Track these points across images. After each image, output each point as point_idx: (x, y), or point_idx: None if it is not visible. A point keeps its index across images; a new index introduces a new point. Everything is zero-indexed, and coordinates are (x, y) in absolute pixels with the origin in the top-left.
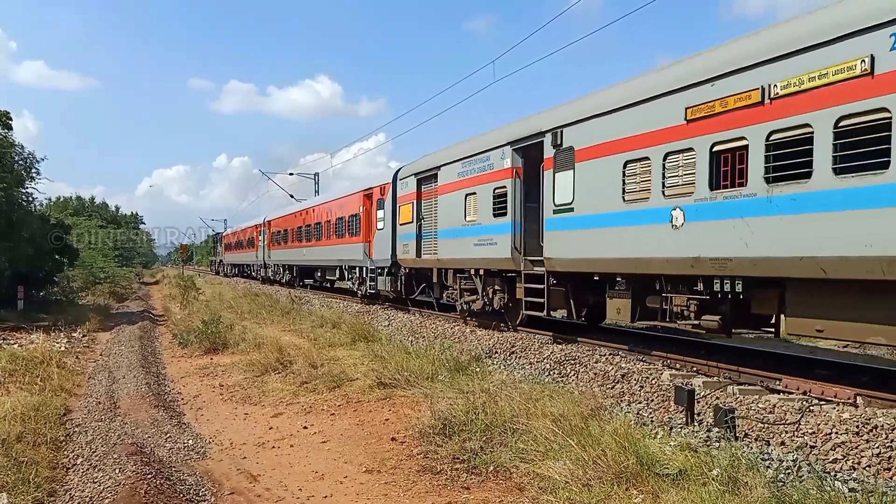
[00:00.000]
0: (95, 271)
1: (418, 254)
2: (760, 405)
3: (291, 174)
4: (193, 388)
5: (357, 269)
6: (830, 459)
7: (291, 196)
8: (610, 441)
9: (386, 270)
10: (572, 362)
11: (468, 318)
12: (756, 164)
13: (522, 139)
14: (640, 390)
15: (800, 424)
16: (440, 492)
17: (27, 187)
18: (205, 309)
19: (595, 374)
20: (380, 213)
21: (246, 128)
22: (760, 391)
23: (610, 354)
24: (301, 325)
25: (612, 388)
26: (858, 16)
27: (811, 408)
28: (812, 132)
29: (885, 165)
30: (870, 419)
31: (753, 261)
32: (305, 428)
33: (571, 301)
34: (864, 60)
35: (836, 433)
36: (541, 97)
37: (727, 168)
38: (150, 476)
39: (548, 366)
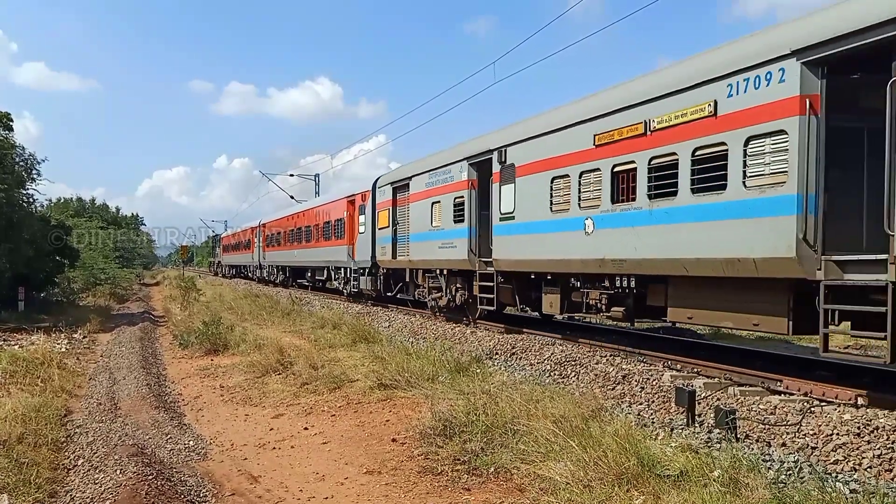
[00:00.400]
0: (96, 272)
1: (394, 255)
2: (761, 406)
3: (292, 175)
4: (194, 390)
5: (342, 269)
6: (831, 461)
7: (292, 197)
8: (611, 442)
9: (367, 271)
10: (573, 363)
11: (437, 314)
12: (642, 183)
13: (476, 155)
14: (640, 391)
15: (801, 425)
16: (441, 493)
17: (28, 188)
18: (205, 310)
19: (596, 375)
20: (361, 218)
21: (246, 129)
22: (761, 392)
23: (610, 355)
24: (302, 327)
25: (613, 389)
26: (704, 69)
27: (812, 409)
28: (678, 159)
29: (724, 188)
30: (871, 420)
31: (640, 262)
32: (306, 429)
33: (517, 296)
34: (710, 104)
35: (838, 434)
36: (541, 98)
37: (623, 185)
38: (150, 477)
39: (548, 367)
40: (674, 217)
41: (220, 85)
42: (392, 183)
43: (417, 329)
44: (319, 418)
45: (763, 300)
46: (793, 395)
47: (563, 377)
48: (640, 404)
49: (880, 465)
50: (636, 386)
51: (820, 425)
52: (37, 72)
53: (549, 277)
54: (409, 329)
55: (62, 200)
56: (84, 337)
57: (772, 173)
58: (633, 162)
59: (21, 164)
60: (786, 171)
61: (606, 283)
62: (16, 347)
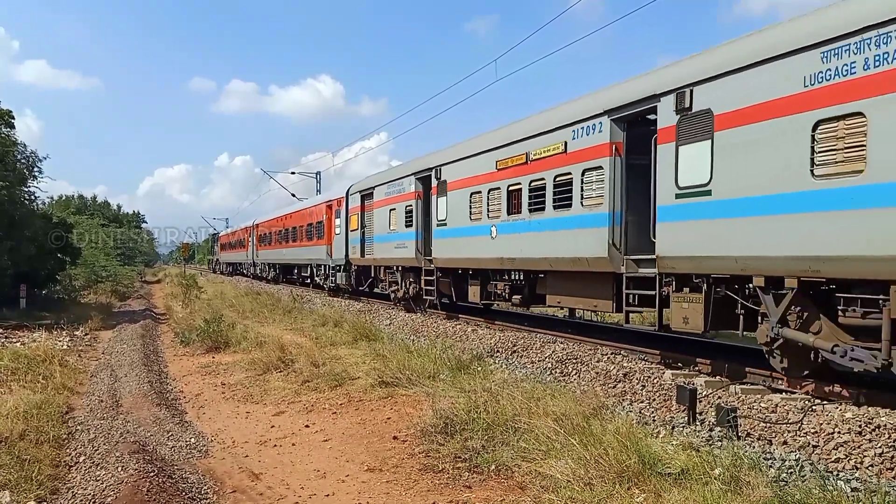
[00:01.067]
0: (97, 270)
1: (362, 254)
2: (762, 404)
3: (293, 173)
4: (195, 387)
5: (322, 266)
6: (833, 459)
7: (293, 195)
8: (612, 440)
9: (342, 268)
10: (574, 361)
11: (397, 304)
12: (525, 200)
13: (421, 171)
14: (641, 389)
15: (802, 424)
16: (442, 490)
17: (29, 186)
18: (206, 308)
19: (597, 373)
20: (337, 221)
21: (248, 127)
22: (762, 390)
23: (612, 353)
24: (303, 324)
25: (614, 387)
26: (561, 118)
27: (813, 407)
28: (545, 183)
29: (570, 205)
30: (872, 419)
31: (525, 260)
32: (307, 426)
33: (452, 288)
34: (563, 143)
35: (839, 433)
36: (542, 96)
37: (515, 201)
38: (152, 474)
39: (549, 365)
40: (543, 226)
41: (221, 83)
42: (360, 191)
43: (418, 327)
44: (321, 416)
45: (598, 288)
46: (794, 393)
47: (565, 375)
48: (642, 402)
49: (882, 463)
50: (637, 384)
51: (821, 424)
52: (38, 70)
53: (471, 272)
54: (410, 327)
55: (63, 198)
56: (85, 334)
57: (596, 195)
58: (519, 183)
59: (23, 161)
60: (602, 195)
61: (506, 277)
62: (17, 345)
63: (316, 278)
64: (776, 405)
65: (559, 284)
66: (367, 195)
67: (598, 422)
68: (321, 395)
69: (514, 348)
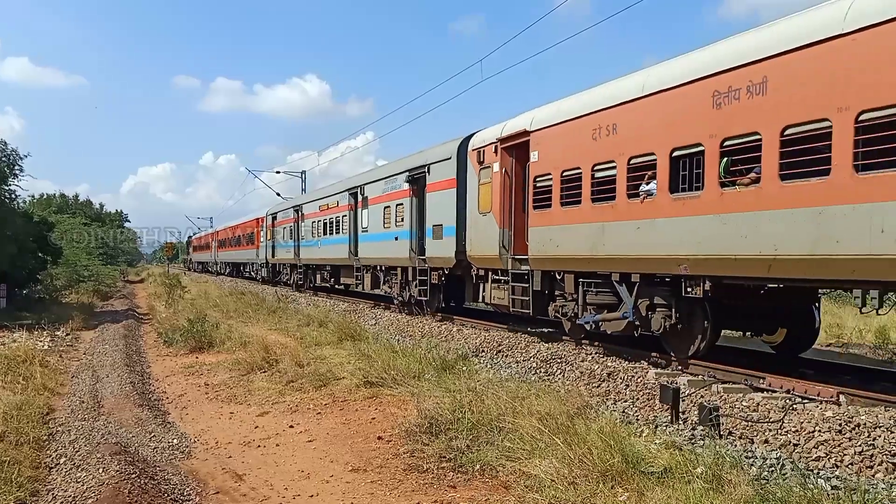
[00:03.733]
0: (79, 269)
1: (273, 256)
2: (744, 403)
3: (278, 172)
4: (178, 387)
5: (254, 264)
6: (813, 457)
7: (278, 194)
8: (596, 439)
9: (265, 265)
10: (559, 361)
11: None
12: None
13: (352, 188)
14: (625, 389)
15: (783, 422)
16: (426, 490)
17: (10, 185)
18: (190, 307)
19: (581, 372)
20: (261, 233)
21: (233, 126)
22: (745, 389)
23: (596, 353)
24: (287, 324)
25: (598, 386)
26: (390, 171)
27: (794, 406)
28: (385, 210)
29: (390, 225)
30: (852, 417)
31: (387, 259)
32: (291, 427)
33: (372, 280)
34: (392, 187)
35: (819, 431)
36: (528, 96)
37: (365, 223)
38: (133, 475)
39: (534, 364)
40: (387, 237)
41: (206, 81)
42: (271, 213)
43: (403, 327)
44: (305, 416)
45: (400, 274)
46: (776, 392)
47: (549, 375)
48: (625, 402)
49: (861, 461)
50: (621, 383)
51: (802, 422)
52: (20, 67)
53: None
54: (396, 327)
55: (45, 196)
56: (67, 334)
57: (404, 219)
58: (389, 206)
59: (3, 159)
60: (405, 219)
61: (394, 272)
62: None
63: (252, 273)
64: (758, 404)
65: (391, 277)
66: (273, 216)
67: (583, 421)
68: (305, 395)
69: (500, 348)
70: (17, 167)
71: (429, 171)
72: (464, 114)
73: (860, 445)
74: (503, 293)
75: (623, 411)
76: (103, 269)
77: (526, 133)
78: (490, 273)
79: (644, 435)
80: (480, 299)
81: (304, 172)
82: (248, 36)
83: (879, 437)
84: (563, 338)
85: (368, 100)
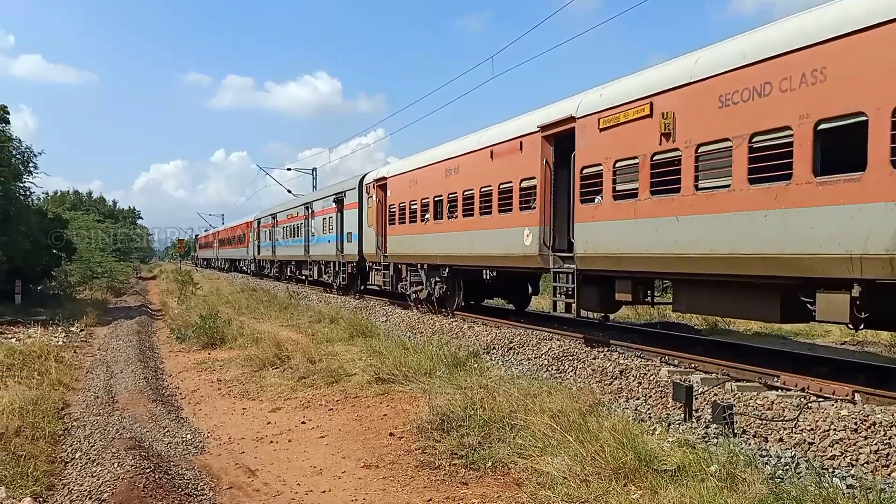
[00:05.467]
0: (93, 266)
1: (258, 254)
2: (759, 402)
3: (289, 169)
4: (191, 383)
5: (246, 260)
6: (828, 456)
7: (289, 191)
8: (608, 437)
9: (254, 261)
10: (570, 358)
11: (289, 283)
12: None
13: (306, 203)
14: (638, 386)
15: (798, 421)
16: (438, 487)
17: (24, 182)
18: (202, 304)
19: (593, 370)
20: (251, 234)
21: (244, 123)
22: (759, 388)
23: (608, 350)
24: (299, 321)
25: (611, 384)
26: (330, 193)
27: (809, 404)
28: (324, 220)
29: (332, 231)
30: (868, 416)
31: (325, 256)
32: (303, 423)
33: (318, 271)
34: (332, 202)
35: (834, 430)
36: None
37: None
38: (148, 470)
39: (546, 361)
40: (318, 242)
41: (217, 78)
42: (257, 219)
43: (414, 324)
44: (317, 412)
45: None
46: (790, 390)
47: (561, 372)
48: (638, 399)
49: (877, 460)
50: (634, 381)
51: (817, 421)
52: (34, 64)
53: (323, 263)
54: (407, 324)
55: (59, 193)
56: (81, 330)
57: (332, 227)
58: (325, 218)
59: (18, 157)
60: (332, 227)
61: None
62: (13, 341)
63: (245, 267)
64: (772, 402)
65: (313, 270)
66: (258, 220)
67: (595, 418)
68: (317, 391)
69: (511, 345)
70: (31, 164)
71: (345, 196)
72: (476, 107)
73: (876, 444)
74: (380, 278)
75: (635, 409)
76: (117, 266)
77: (384, 178)
78: (374, 265)
79: (657, 433)
80: (371, 281)
81: (314, 169)
82: (258, 34)
83: (895, 436)
84: (410, 304)
85: (380, 96)
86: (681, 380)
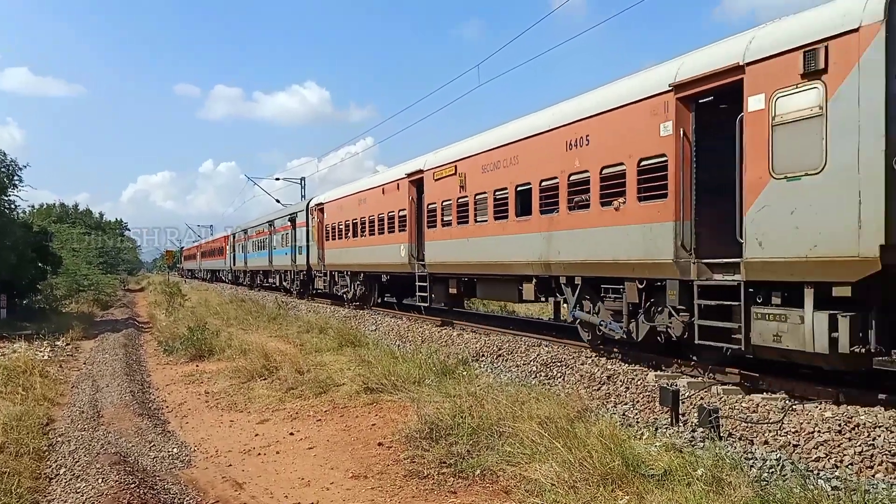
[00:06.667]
0: (79, 279)
1: (234, 265)
2: (744, 405)
3: (278, 179)
4: (178, 396)
5: (224, 270)
6: (813, 458)
7: (278, 201)
8: (596, 443)
9: (230, 271)
10: (558, 364)
11: (260, 289)
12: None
13: (269, 220)
14: (625, 391)
15: (783, 423)
16: (427, 496)
17: (10, 195)
18: (190, 315)
19: (581, 375)
20: (227, 247)
21: (233, 133)
22: (744, 391)
23: (596, 356)
24: (288, 331)
25: (598, 389)
26: (287, 213)
27: (794, 407)
28: (282, 236)
29: (295, 241)
30: (852, 417)
31: (283, 266)
32: (292, 434)
33: (280, 279)
34: (290, 219)
35: (819, 432)
36: (541, 92)
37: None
38: (133, 485)
39: (534, 368)
40: (276, 253)
41: (206, 89)
42: (233, 233)
43: (404, 332)
44: (305, 423)
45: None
46: (775, 393)
47: (549, 378)
48: (625, 404)
49: (861, 461)
50: (621, 386)
51: (801, 423)
52: (20, 77)
53: (283, 271)
54: (396, 332)
55: (45, 206)
56: (67, 344)
57: (287, 242)
58: (283, 234)
59: (3, 170)
60: (298, 238)
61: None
62: None
63: (223, 277)
64: (757, 405)
65: (273, 276)
66: (234, 234)
67: (583, 424)
68: (306, 402)
69: (500, 352)
70: (16, 178)
71: (297, 216)
72: (465, 113)
73: (860, 445)
74: (321, 283)
75: (623, 414)
76: (103, 279)
77: (322, 203)
78: (317, 273)
79: (644, 437)
80: (315, 286)
81: (303, 179)
82: (246, 44)
83: (879, 436)
84: (346, 302)
85: (369, 105)
86: (667, 384)
